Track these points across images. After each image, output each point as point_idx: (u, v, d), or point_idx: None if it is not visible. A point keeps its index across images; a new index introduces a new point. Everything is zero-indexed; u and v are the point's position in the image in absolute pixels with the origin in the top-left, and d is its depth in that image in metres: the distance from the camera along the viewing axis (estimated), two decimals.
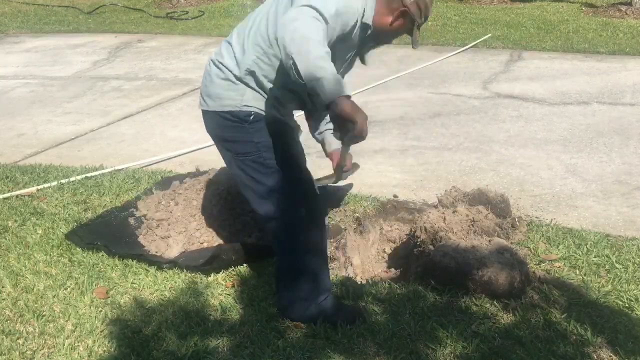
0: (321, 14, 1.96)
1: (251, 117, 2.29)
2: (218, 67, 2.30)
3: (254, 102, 2.29)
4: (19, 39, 8.97)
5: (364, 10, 2.17)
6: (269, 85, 2.28)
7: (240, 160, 2.35)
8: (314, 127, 2.69)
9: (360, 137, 2.00)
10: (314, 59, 1.88)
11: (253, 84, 2.28)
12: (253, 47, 2.23)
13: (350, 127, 1.99)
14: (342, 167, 2.54)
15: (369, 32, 2.25)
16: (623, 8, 8.65)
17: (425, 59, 6.61)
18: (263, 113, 2.31)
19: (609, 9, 8.82)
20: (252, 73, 2.25)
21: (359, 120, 1.94)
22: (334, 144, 2.62)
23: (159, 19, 9.90)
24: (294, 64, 1.88)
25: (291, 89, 2.31)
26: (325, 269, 2.46)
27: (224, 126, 2.33)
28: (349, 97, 1.95)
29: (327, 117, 2.58)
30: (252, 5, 10.38)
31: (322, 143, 2.69)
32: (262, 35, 2.22)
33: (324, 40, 1.93)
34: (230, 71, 2.27)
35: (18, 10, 11.15)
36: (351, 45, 2.26)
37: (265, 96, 2.30)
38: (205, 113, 2.39)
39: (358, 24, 2.17)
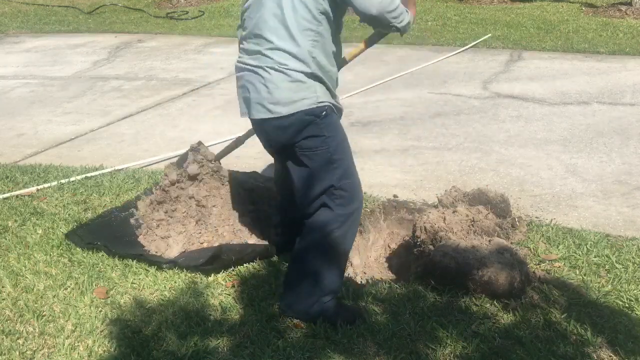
0: None
1: (324, 113, 2.32)
2: (281, 72, 2.25)
3: (325, 96, 2.33)
4: (19, 39, 8.97)
5: None
6: (328, 62, 2.34)
7: (305, 155, 2.35)
8: None
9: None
10: (403, 17, 2.33)
11: (320, 73, 2.30)
12: (303, 33, 2.24)
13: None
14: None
15: None
16: (623, 8, 8.65)
17: (425, 59, 6.61)
18: (332, 106, 2.36)
19: (609, 9, 8.82)
20: (314, 59, 2.27)
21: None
22: None
23: (159, 19, 9.90)
24: (398, 29, 2.35)
25: (338, 52, 2.41)
26: (343, 269, 2.49)
27: (297, 129, 2.31)
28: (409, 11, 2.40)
29: None
30: None
31: None
32: (307, 18, 2.23)
33: None
34: (300, 71, 2.26)
35: (18, 10, 11.15)
36: None
37: (329, 84, 2.35)
38: (271, 120, 2.32)
39: None
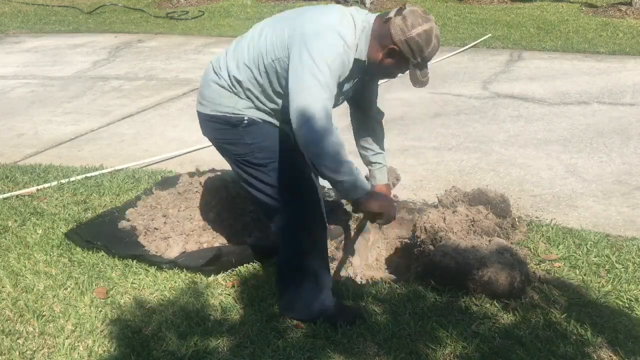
0: (325, 86, 2.05)
1: (244, 122, 2.32)
2: (216, 74, 2.34)
3: (247, 110, 2.32)
4: (19, 39, 8.97)
5: (356, 46, 2.16)
6: (265, 104, 2.31)
7: (237, 160, 2.39)
8: (360, 149, 2.71)
9: (389, 223, 2.26)
10: (331, 163, 2.05)
11: (246, 96, 2.30)
12: (244, 67, 2.26)
13: (378, 218, 2.24)
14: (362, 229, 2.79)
15: (366, 65, 2.23)
16: (623, 8, 8.65)
17: None
18: (257, 119, 2.33)
19: (609, 9, 8.82)
20: (247, 90, 2.28)
21: (385, 213, 2.17)
22: (380, 179, 2.69)
23: (159, 19, 9.90)
24: (314, 165, 2.09)
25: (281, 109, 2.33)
26: (326, 267, 2.47)
27: (217, 129, 2.38)
28: (370, 193, 2.15)
29: (376, 150, 2.66)
30: (251, 5, 10.39)
31: (369, 174, 2.72)
32: (252, 60, 2.24)
33: (331, 121, 2.06)
34: (226, 81, 2.30)
35: (18, 10, 11.15)
36: (350, 77, 2.24)
37: (261, 108, 2.32)
38: (199, 114, 2.43)
39: (351, 60, 2.16)
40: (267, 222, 2.64)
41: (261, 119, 2.34)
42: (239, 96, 2.30)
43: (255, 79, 2.25)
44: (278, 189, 2.36)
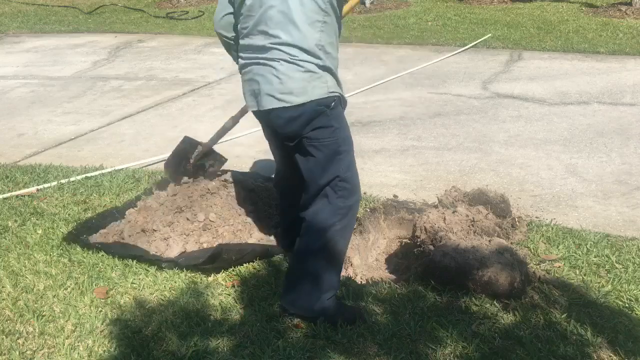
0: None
1: (333, 103, 2.34)
2: (293, 64, 2.27)
3: (335, 87, 2.36)
4: (19, 39, 8.97)
5: None
6: (333, 50, 2.35)
7: (313, 146, 2.36)
8: None
9: None
10: None
11: (328, 63, 2.32)
12: (312, 26, 2.25)
13: None
14: None
15: None
16: (623, 8, 8.65)
17: (425, 59, 6.61)
18: (340, 97, 2.38)
19: (609, 9, 8.82)
20: (322, 49, 2.29)
21: None
22: None
23: (159, 19, 9.90)
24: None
25: (338, 38, 2.40)
26: (341, 266, 2.52)
27: (309, 118, 2.32)
28: None
29: None
30: None
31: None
32: (315, 10, 2.24)
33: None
34: (312, 62, 2.28)
35: (18, 10, 11.15)
36: None
37: (337, 73, 2.38)
38: (281, 111, 2.33)
39: None
40: (292, 219, 2.68)
41: (341, 96, 2.40)
42: (328, 71, 2.33)
43: (325, 23, 2.28)
44: (343, 176, 2.40)
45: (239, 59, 2.45)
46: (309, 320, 2.42)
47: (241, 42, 2.42)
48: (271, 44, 2.28)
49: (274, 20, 2.26)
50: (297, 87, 2.27)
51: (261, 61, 2.32)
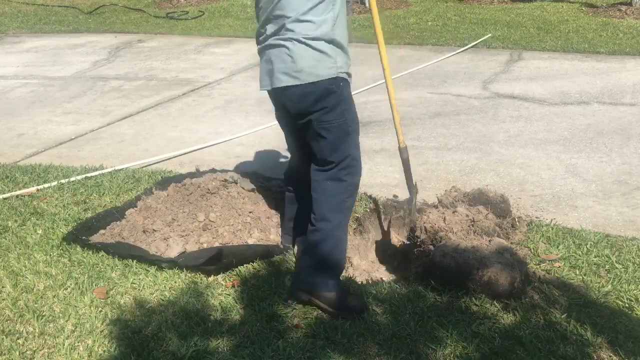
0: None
1: (342, 83, 2.43)
2: (304, 44, 2.37)
3: (346, 67, 2.45)
4: (19, 39, 8.97)
5: None
6: (344, 28, 2.43)
7: (324, 128, 2.46)
8: None
9: None
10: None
11: (339, 40, 2.40)
12: (323, 5, 2.35)
13: None
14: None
15: None
16: (623, 8, 8.65)
17: (425, 59, 6.61)
18: (347, 77, 2.46)
19: (609, 9, 8.82)
20: (334, 27, 2.38)
21: None
22: None
23: (159, 19, 9.90)
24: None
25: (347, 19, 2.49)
26: (345, 248, 2.64)
27: (318, 97, 2.42)
28: None
29: None
30: (251, 5, 10.38)
31: None
32: None
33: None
34: (322, 40, 2.37)
35: (18, 10, 11.15)
36: None
37: (347, 50, 2.45)
38: (293, 89, 2.43)
39: None
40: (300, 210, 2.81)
41: (349, 76, 2.47)
42: (339, 49, 2.41)
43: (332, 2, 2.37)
44: (349, 155, 2.50)
45: (257, 45, 2.57)
46: (324, 302, 2.46)
47: (260, 29, 2.54)
48: (285, 25, 2.39)
49: (288, 3, 2.37)
50: (308, 65, 2.38)
51: (275, 42, 2.43)
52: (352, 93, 2.67)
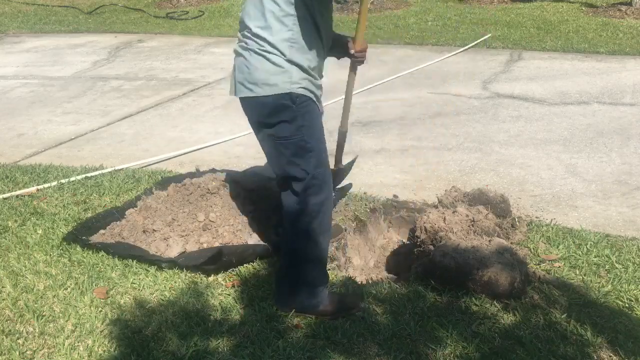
0: None
1: (298, 99, 2.34)
2: (260, 55, 2.31)
3: (302, 81, 2.35)
4: (19, 39, 8.97)
5: None
6: (308, 48, 2.34)
7: (281, 144, 2.38)
8: None
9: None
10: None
11: (297, 59, 2.31)
12: (280, 20, 2.27)
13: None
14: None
15: None
16: (623, 8, 8.65)
17: (425, 59, 6.61)
18: (308, 94, 2.38)
19: (609, 9, 8.82)
20: (292, 47, 2.29)
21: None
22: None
23: (159, 19, 9.90)
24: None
25: (322, 38, 2.38)
26: (325, 262, 2.54)
27: (271, 111, 2.35)
28: None
29: None
30: None
31: None
32: (282, 6, 2.26)
33: None
34: (279, 56, 2.30)
35: (18, 10, 11.15)
36: None
37: (309, 70, 2.36)
38: (249, 100, 2.39)
39: None
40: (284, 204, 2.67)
41: (311, 93, 2.38)
42: (295, 64, 2.32)
43: (298, 18, 2.28)
44: (312, 173, 2.39)
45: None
46: (307, 313, 2.46)
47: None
48: (247, 34, 2.35)
49: (250, 13, 2.34)
50: (261, 78, 2.33)
51: (239, 50, 2.40)
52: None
